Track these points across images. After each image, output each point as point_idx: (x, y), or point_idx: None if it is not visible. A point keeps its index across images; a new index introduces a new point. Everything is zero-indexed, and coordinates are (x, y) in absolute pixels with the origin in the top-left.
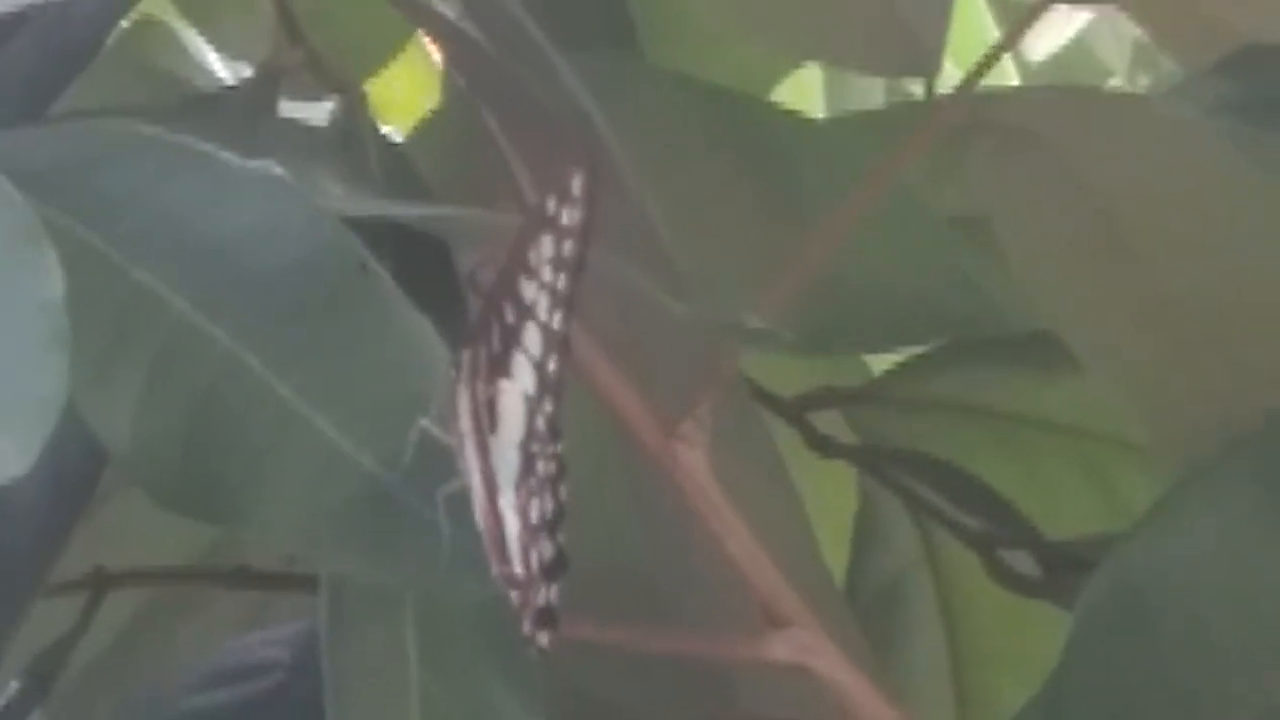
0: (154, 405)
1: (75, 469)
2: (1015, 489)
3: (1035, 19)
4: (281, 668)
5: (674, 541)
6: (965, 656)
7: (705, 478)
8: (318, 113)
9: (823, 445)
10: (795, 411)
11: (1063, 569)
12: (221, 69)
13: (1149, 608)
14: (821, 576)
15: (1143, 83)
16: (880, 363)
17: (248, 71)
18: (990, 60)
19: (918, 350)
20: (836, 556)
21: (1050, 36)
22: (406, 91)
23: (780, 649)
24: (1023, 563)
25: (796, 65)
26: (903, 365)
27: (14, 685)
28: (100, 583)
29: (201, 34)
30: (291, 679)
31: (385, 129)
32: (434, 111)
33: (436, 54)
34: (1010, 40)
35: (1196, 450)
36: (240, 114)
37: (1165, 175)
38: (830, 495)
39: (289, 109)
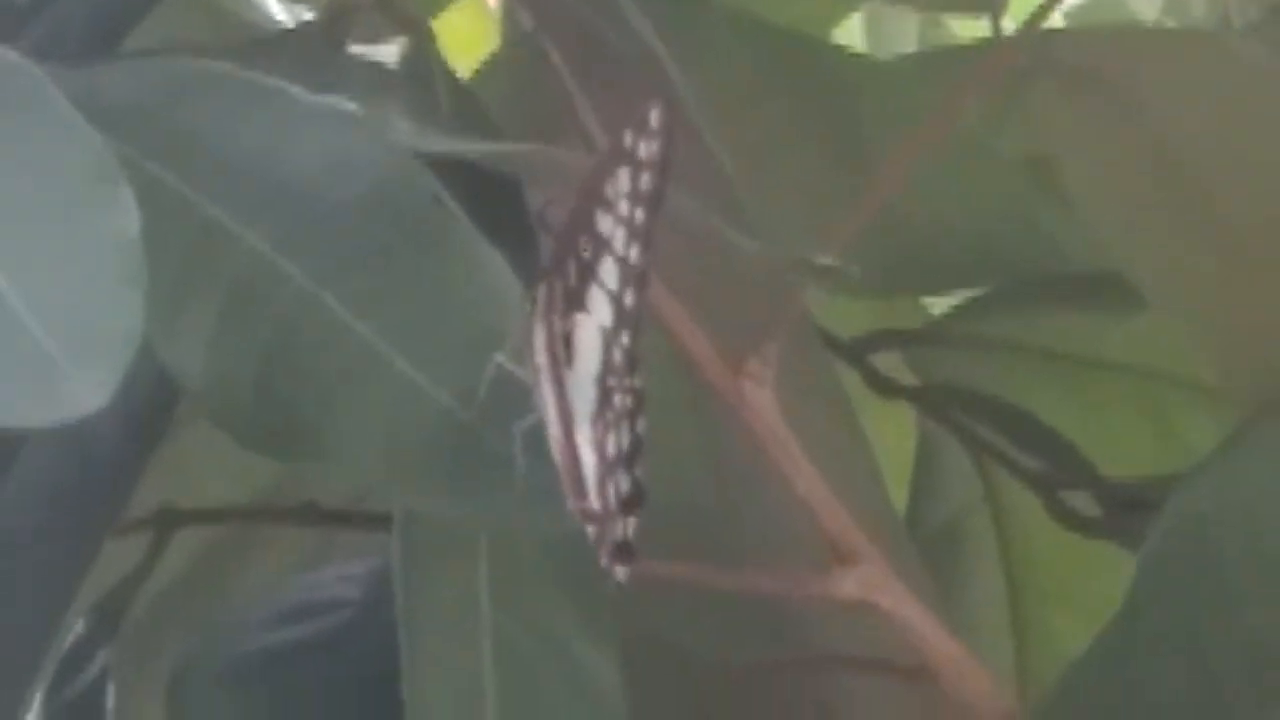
0: (228, 341)
1: (147, 407)
2: (1075, 429)
3: None
4: (353, 605)
5: (741, 479)
6: (1024, 594)
7: (773, 416)
8: (382, 55)
9: (883, 386)
10: (856, 352)
11: (1122, 509)
12: (278, 9)
13: (1215, 546)
14: (887, 513)
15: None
16: (938, 305)
17: (304, 13)
18: (1054, 2)
19: (977, 290)
20: (896, 496)
21: None
22: (463, 37)
23: (848, 586)
24: (1082, 502)
25: (854, 7)
26: (962, 306)
27: (80, 623)
28: (167, 521)
29: None
30: (363, 616)
31: None
32: (494, 55)
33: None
34: None
35: (1264, 387)
36: (310, 52)
37: (1230, 112)
38: (890, 436)
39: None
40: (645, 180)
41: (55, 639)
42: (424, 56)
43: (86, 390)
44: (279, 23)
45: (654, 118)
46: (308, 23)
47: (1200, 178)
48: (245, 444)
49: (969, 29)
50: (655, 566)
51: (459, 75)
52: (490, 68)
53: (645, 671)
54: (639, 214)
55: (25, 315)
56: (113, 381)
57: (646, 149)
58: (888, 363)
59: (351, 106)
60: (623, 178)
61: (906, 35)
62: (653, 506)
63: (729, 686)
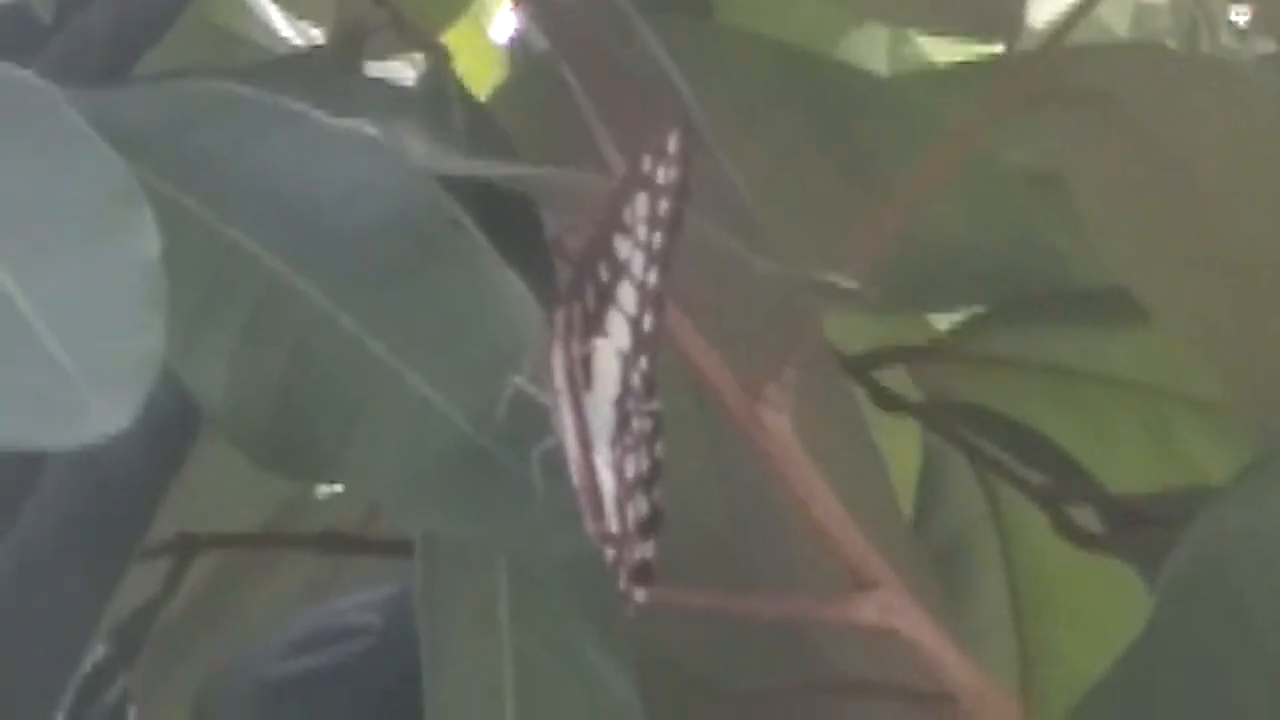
0: (248, 363)
1: (168, 432)
2: (1079, 445)
3: None
4: (373, 632)
5: (758, 504)
6: (1028, 608)
7: (790, 441)
8: (397, 71)
9: (889, 402)
10: (861, 369)
11: (1126, 525)
12: (285, 28)
13: (1234, 577)
14: (903, 536)
15: None
16: (943, 320)
17: (311, 30)
18: (1073, 21)
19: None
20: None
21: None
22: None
23: (867, 611)
24: (1086, 518)
25: (859, 23)
26: (968, 322)
27: (101, 647)
28: (187, 546)
29: None
30: (383, 643)
31: None
32: (507, 79)
33: (494, 30)
34: (1088, 5)
35: (1270, 404)
36: (328, 73)
37: (1240, 134)
38: (895, 451)
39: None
40: (663, 205)
41: (78, 664)
42: (440, 76)
43: (107, 412)
44: (287, 41)
45: (672, 143)
46: (322, 45)
47: (1208, 198)
48: (264, 464)
49: (938, 48)
50: (674, 592)
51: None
52: (503, 91)
53: (663, 697)
54: (657, 238)
55: (47, 337)
56: (134, 403)
57: (665, 174)
58: (893, 378)
59: (369, 129)
60: (641, 203)
61: (875, 51)
62: (669, 531)
63: (746, 711)
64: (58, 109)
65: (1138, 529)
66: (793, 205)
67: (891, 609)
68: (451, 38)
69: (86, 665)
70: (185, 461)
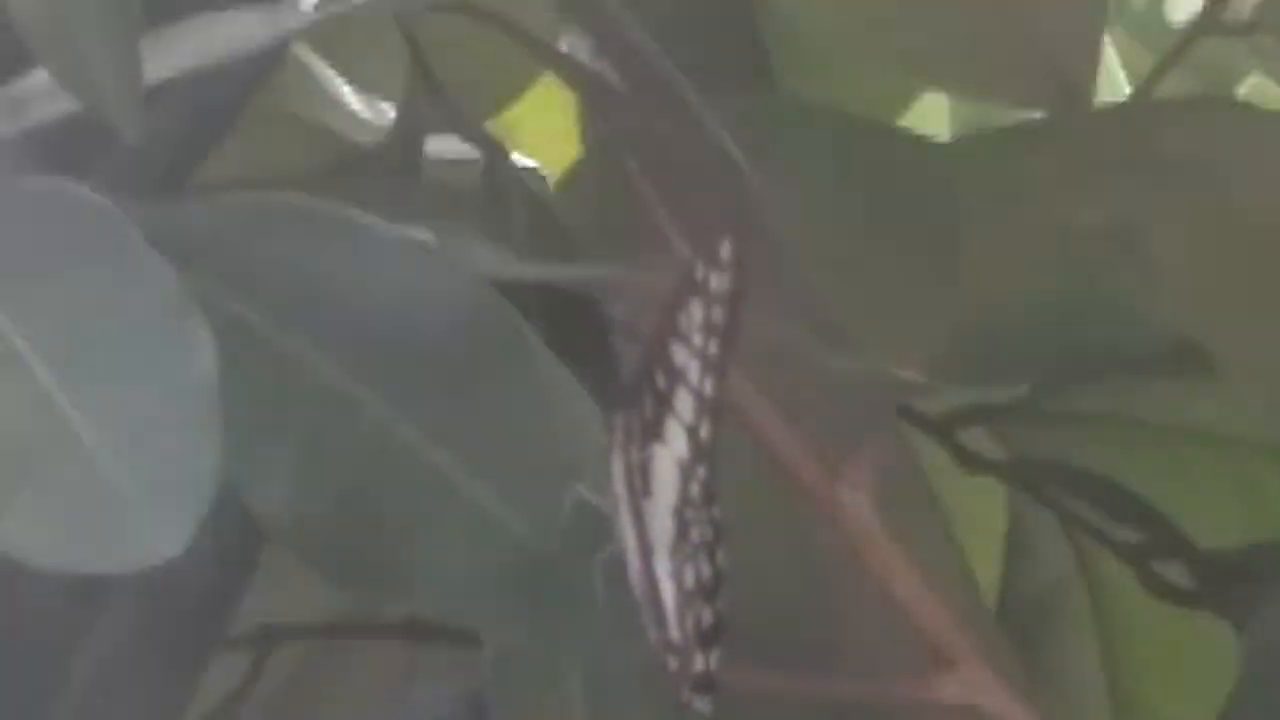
0: (309, 475)
1: (243, 531)
2: (1166, 499)
3: (1185, 46)
4: None
5: (837, 585)
6: (1122, 666)
7: (871, 520)
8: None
9: (972, 462)
10: (945, 429)
11: (1217, 579)
12: (356, 103)
13: None
14: (980, 611)
15: None
16: None
17: (383, 104)
18: (1146, 89)
19: None
20: (990, 571)
21: None
22: (549, 116)
23: (951, 689)
24: (1177, 574)
25: (924, 90)
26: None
27: None
28: (267, 638)
29: (336, 70)
30: None
31: (529, 162)
32: (579, 159)
33: None
34: (1162, 69)
35: None
36: (386, 176)
37: None
38: (981, 511)
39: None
40: (717, 312)
41: None
42: (499, 174)
43: (164, 537)
44: (353, 114)
45: (724, 251)
46: (383, 146)
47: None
48: (329, 578)
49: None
50: (754, 675)
51: (546, 177)
52: (576, 171)
53: None
54: (712, 346)
55: (103, 460)
56: (189, 528)
57: (717, 282)
58: (974, 436)
59: (427, 237)
60: (695, 309)
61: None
62: (749, 615)
63: None
64: (115, 225)
65: (1228, 583)
66: (864, 279)
67: (975, 686)
68: (533, 97)
69: None
70: (260, 556)
